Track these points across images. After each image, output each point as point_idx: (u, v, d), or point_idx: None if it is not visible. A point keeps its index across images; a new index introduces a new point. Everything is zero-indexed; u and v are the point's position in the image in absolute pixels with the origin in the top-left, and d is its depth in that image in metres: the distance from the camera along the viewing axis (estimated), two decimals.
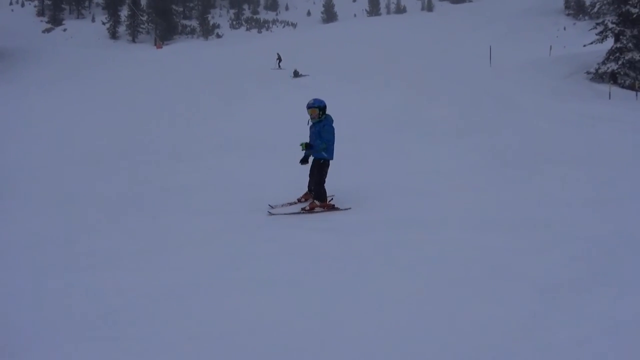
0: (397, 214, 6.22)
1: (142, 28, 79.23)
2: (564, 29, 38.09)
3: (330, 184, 6.94)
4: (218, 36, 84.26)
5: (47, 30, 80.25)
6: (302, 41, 41.77)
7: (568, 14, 42.17)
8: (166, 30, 78.67)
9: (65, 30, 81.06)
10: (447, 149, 10.50)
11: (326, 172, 6.75)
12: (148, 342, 3.22)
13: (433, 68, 23.11)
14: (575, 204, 6.43)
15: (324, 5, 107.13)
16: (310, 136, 6.82)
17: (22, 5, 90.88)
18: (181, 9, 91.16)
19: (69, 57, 33.22)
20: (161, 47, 49.93)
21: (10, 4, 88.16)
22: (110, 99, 20.12)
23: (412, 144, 11.10)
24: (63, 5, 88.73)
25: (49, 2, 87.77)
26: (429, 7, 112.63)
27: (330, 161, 6.78)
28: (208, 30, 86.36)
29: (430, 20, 48.47)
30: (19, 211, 6.88)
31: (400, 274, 4.20)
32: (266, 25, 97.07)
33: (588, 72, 21.37)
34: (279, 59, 29.75)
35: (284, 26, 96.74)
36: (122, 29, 79.41)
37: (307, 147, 6.62)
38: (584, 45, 23.57)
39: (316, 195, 6.70)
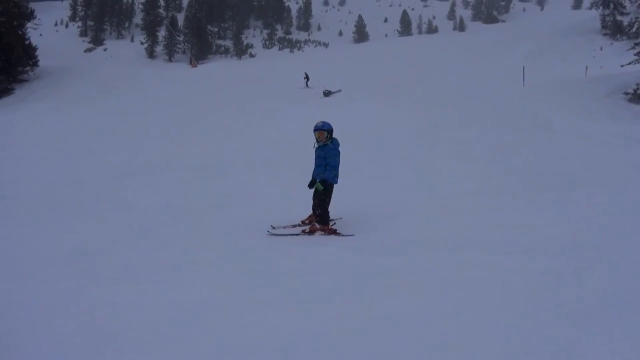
0: (424, 235, 6.17)
1: (179, 48, 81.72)
2: (601, 49, 37.30)
3: (360, 203, 6.94)
4: (251, 56, 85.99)
5: (89, 50, 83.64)
6: (333, 60, 42.23)
7: (605, 34, 41.28)
8: (201, 50, 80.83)
9: (105, 49, 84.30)
10: (477, 169, 10.38)
11: (329, 196, 6.63)
12: (178, 357, 3.28)
13: (465, 87, 22.98)
14: (609, 228, 6.25)
15: (355, 26, 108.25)
16: (316, 159, 6.73)
17: (67, 26, 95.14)
18: (216, 29, 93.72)
19: (108, 75, 34.49)
20: (196, 66, 51.26)
21: (55, 25, 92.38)
22: (146, 115, 20.75)
23: (442, 164, 11.02)
24: (104, 26, 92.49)
25: (91, 23, 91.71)
26: (460, 27, 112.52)
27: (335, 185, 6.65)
28: (242, 50, 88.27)
29: (462, 40, 48.28)
30: (64, 222, 7.14)
31: (429, 296, 4.15)
32: (298, 45, 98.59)
33: (626, 93, 20.82)
34: (307, 78, 30.11)
35: (315, 46, 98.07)
36: (159, 48, 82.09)
37: (322, 184, 6.44)
38: (622, 66, 23.00)
39: (319, 219, 6.62)
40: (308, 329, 3.58)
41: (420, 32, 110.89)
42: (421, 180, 9.70)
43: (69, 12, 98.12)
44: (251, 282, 4.63)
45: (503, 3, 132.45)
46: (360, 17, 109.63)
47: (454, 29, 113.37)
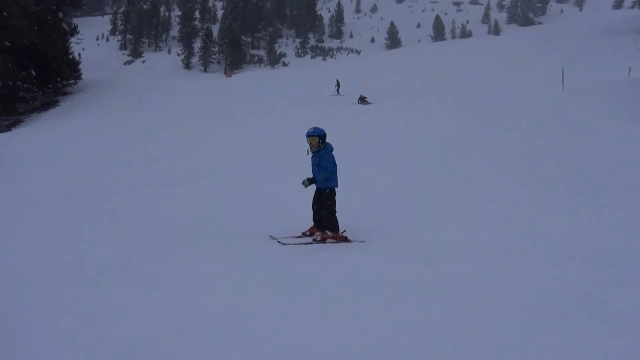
0: (460, 242, 6.09)
1: (214, 58, 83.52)
2: None
3: (393, 209, 6.89)
4: (284, 64, 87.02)
5: (128, 63, 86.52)
6: (365, 67, 42.23)
7: None
8: (235, 60, 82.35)
9: (144, 61, 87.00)
10: (514, 175, 10.16)
11: (334, 201, 6.60)
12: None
13: (500, 92, 22.57)
14: None
15: (387, 32, 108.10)
16: (312, 166, 6.71)
17: (107, 40, 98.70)
18: (250, 39, 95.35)
19: (145, 86, 35.57)
20: (230, 76, 52.20)
21: (97, 39, 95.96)
22: (181, 125, 21.26)
23: (477, 170, 10.84)
24: (143, 39, 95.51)
25: (130, 37, 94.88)
26: (495, 31, 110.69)
27: (336, 189, 6.66)
28: (275, 59, 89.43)
29: (497, 44, 47.46)
30: (103, 230, 7.40)
31: (468, 305, 4.09)
32: (331, 52, 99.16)
33: None
34: (338, 85, 30.19)
35: (347, 53, 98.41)
36: (195, 59, 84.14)
37: (310, 182, 6.52)
38: None
39: (328, 226, 6.55)
40: (350, 337, 3.59)
41: (453, 37, 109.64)
42: (456, 186, 9.57)
43: (109, 27, 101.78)
44: (290, 289, 4.67)
45: (539, 5, 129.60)
46: (392, 23, 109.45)
47: (489, 32, 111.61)
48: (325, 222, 6.58)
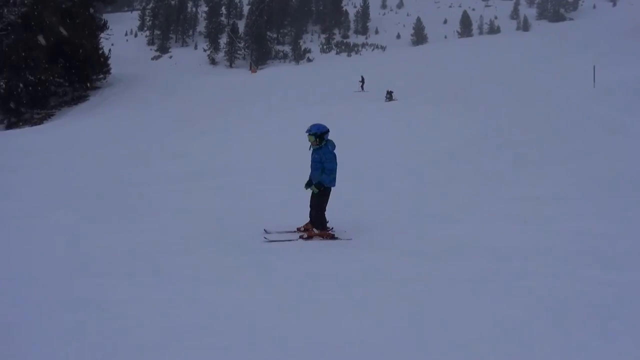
0: (488, 242, 6.00)
1: (239, 54, 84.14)
2: None
3: (420, 207, 6.80)
4: (309, 60, 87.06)
5: (156, 58, 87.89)
6: (390, 64, 41.92)
7: None
8: (260, 56, 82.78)
9: (171, 57, 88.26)
10: (544, 174, 9.95)
11: (326, 200, 6.52)
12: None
13: (529, 89, 22.12)
14: None
15: (413, 28, 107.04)
16: (311, 163, 6.62)
17: (135, 35, 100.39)
18: (275, 35, 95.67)
19: (172, 82, 36.06)
20: (255, 72, 52.48)
21: (126, 34, 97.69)
22: (207, 119, 21.50)
23: (505, 169, 10.66)
24: (170, 35, 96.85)
25: (158, 33, 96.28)
26: (524, 27, 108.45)
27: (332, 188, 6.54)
28: (300, 55, 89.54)
29: (526, 40, 46.48)
30: (136, 222, 7.55)
31: (496, 306, 4.04)
32: (356, 48, 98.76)
33: None
34: (362, 81, 30.02)
35: (373, 49, 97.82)
36: (220, 55, 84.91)
37: (317, 187, 6.37)
38: None
39: (315, 223, 6.50)
40: (370, 334, 3.59)
41: (481, 33, 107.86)
42: (484, 185, 9.43)
43: (138, 22, 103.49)
44: (316, 284, 4.69)
45: (571, 0, 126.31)
46: (418, 19, 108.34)
47: (518, 28, 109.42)
48: (312, 219, 6.53)
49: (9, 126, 30.83)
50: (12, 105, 31.83)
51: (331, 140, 6.63)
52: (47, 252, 6.06)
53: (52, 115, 31.93)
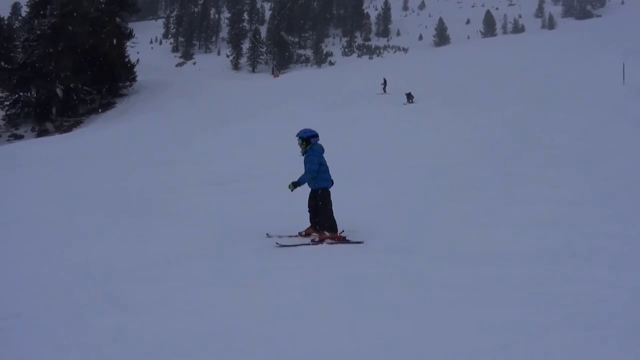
0: (515, 245, 5.89)
1: (261, 59, 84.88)
2: None
3: (444, 210, 6.71)
4: (331, 63, 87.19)
5: (180, 65, 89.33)
6: (412, 65, 41.62)
7: None
8: (282, 60, 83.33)
9: (194, 63, 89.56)
10: (571, 175, 9.72)
11: (330, 201, 6.57)
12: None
13: (554, 89, 21.67)
14: None
15: (435, 29, 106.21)
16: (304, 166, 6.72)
17: (160, 43, 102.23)
18: (297, 40, 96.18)
19: (196, 88, 36.54)
20: (278, 76, 52.81)
21: (151, 42, 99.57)
22: (230, 124, 21.72)
23: (532, 170, 10.45)
24: (194, 42, 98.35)
25: (182, 40, 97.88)
26: (550, 25, 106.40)
27: (330, 188, 6.64)
28: (321, 59, 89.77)
29: (551, 39, 45.56)
30: (161, 227, 7.69)
31: (534, 310, 3.95)
32: (377, 51, 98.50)
33: None
34: (385, 83, 29.85)
35: (395, 51, 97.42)
36: (243, 60, 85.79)
37: (295, 186, 6.60)
38: None
39: (326, 227, 6.51)
40: (400, 339, 3.57)
41: (505, 33, 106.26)
42: (509, 187, 9.27)
43: (162, 30, 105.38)
44: (344, 288, 4.68)
45: None
46: (440, 19, 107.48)
47: (543, 27, 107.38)
48: (322, 223, 6.55)
49: (40, 134, 31.78)
50: (42, 113, 32.81)
51: (319, 145, 6.73)
52: (73, 256, 6.21)
53: (81, 122, 32.78)
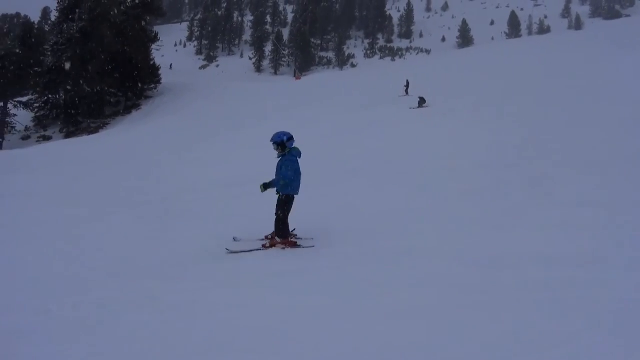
0: (539, 249, 5.81)
1: (284, 61, 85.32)
2: None
3: (466, 214, 6.65)
4: (353, 66, 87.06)
5: (203, 67, 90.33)
6: (436, 67, 41.29)
7: None
8: (305, 62, 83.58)
9: (218, 66, 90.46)
10: (598, 178, 9.51)
11: (289, 208, 6.47)
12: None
13: (580, 90, 21.23)
14: None
15: (459, 30, 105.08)
16: (276, 169, 6.64)
17: (184, 46, 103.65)
18: (319, 42, 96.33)
19: (219, 90, 36.93)
20: (300, 78, 53.01)
21: (175, 45, 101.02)
22: (253, 126, 21.90)
23: (556, 172, 10.26)
24: (217, 44, 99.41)
25: (206, 42, 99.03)
26: (577, 26, 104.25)
27: (296, 196, 6.54)
28: (343, 61, 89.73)
29: (578, 40, 44.64)
30: (183, 227, 7.82)
31: (558, 314, 3.91)
32: (400, 53, 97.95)
33: None
34: (407, 85, 29.67)
35: (417, 53, 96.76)
36: (266, 62, 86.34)
37: (265, 187, 6.47)
38: None
39: (277, 232, 6.43)
40: (412, 343, 3.57)
41: (530, 34, 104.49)
42: (536, 190, 9.12)
43: (186, 33, 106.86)
44: (359, 291, 4.70)
45: None
46: (464, 21, 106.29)
47: (569, 27, 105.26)
48: (275, 228, 6.48)
49: (68, 135, 32.58)
50: (70, 115, 33.64)
51: (296, 148, 6.63)
52: (102, 255, 6.36)
53: (107, 124, 33.47)
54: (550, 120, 16.14)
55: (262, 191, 6.57)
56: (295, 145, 6.67)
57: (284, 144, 6.52)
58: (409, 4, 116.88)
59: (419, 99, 24.49)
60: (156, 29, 47.24)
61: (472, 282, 4.79)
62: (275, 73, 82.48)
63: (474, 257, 5.64)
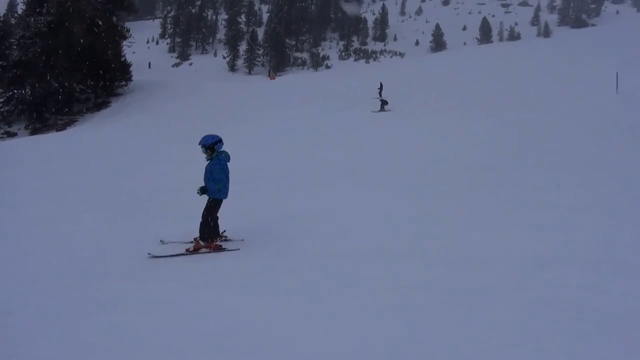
0: (508, 250, 5.93)
1: (258, 61, 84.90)
2: None
3: (436, 216, 6.71)
4: (327, 67, 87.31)
5: (176, 65, 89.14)
6: (408, 70, 41.77)
7: None
8: (279, 63, 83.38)
9: (191, 64, 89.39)
10: (565, 182, 9.78)
11: (215, 212, 6.43)
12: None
13: (548, 97, 21.82)
14: None
15: (432, 35, 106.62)
16: (204, 173, 6.51)
17: (157, 43, 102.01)
18: (294, 43, 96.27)
19: (191, 88, 36.45)
20: (274, 79, 52.77)
21: (147, 42, 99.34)
22: (224, 127, 21.69)
23: (531, 178, 10.50)
24: (190, 42, 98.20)
25: (179, 40, 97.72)
26: (545, 33, 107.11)
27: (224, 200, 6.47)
28: (318, 62, 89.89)
29: (546, 47, 45.89)
30: (157, 229, 7.67)
31: (521, 315, 3.99)
32: (374, 55, 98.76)
33: None
34: (381, 88, 29.90)
35: (391, 56, 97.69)
36: (240, 62, 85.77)
37: (202, 191, 6.37)
38: None
39: (202, 235, 6.35)
40: (396, 342, 3.58)
41: (501, 40, 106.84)
42: (510, 193, 9.30)
43: (159, 30, 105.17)
44: (339, 291, 4.69)
45: (593, 6, 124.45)
46: (437, 25, 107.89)
47: (538, 35, 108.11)
48: (199, 231, 6.37)
49: (34, 132, 31.60)
50: (36, 111, 32.64)
51: (224, 152, 6.54)
52: (70, 256, 6.18)
53: (75, 121, 32.63)
54: (520, 125, 16.50)
55: (200, 195, 6.45)
56: (224, 148, 6.59)
57: (212, 147, 6.44)
58: (383, 7, 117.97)
59: (380, 102, 24.57)
60: (128, 25, 46.29)
61: (445, 282, 4.84)
62: (250, 73, 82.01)
63: (443, 259, 5.71)
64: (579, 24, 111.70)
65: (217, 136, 6.56)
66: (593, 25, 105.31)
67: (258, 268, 5.55)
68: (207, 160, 6.52)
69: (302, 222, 7.72)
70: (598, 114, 16.81)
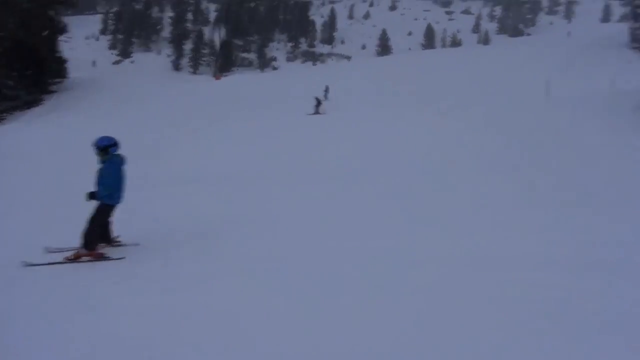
0: (441, 250, 6.03)
1: (203, 60, 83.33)
2: (629, 62, 36.43)
3: (370, 215, 6.75)
4: (274, 68, 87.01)
5: (117, 62, 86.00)
6: (355, 73, 42.32)
7: (634, 48, 40.31)
8: (225, 63, 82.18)
9: (132, 62, 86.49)
10: (492, 185, 10.14)
11: (104, 218, 6.16)
12: None
13: (485, 100, 22.70)
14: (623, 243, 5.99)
15: (379, 39, 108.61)
16: (97, 177, 6.14)
17: (97, 39, 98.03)
18: (241, 43, 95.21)
19: (132, 87, 35.30)
20: (220, 79, 51.95)
21: (87, 38, 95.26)
22: (166, 127, 21.10)
23: (462, 178, 10.81)
24: (133, 40, 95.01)
25: (121, 37, 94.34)
26: (485, 41, 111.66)
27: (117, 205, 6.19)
28: (265, 63, 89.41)
29: (485, 53, 47.84)
30: None
31: (478, 312, 4.03)
32: (321, 58, 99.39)
33: None
34: (327, 91, 30.19)
35: (338, 59, 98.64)
36: (184, 61, 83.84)
37: (91, 196, 6.02)
38: None
39: (85, 242, 5.94)
40: (356, 341, 3.57)
41: (444, 45, 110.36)
42: (440, 194, 9.53)
43: (100, 26, 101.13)
44: (303, 292, 4.64)
45: (530, 17, 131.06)
46: (384, 30, 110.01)
47: (479, 42, 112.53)
48: (82, 237, 5.95)
49: None
50: None
51: (119, 155, 6.26)
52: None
53: (3, 119, 30.68)
54: (453, 126, 17.03)
55: (87, 200, 6.04)
56: (118, 152, 6.26)
57: (106, 149, 6.14)
58: (332, 11, 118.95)
59: (315, 105, 24.83)
60: (67, 19, 44.07)
61: (393, 281, 4.88)
62: (195, 72, 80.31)
63: (391, 257, 5.74)
64: (516, 32, 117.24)
65: (113, 138, 6.24)
66: (529, 34, 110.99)
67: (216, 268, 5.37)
68: (100, 163, 6.16)
69: (221, 226, 7.56)
70: (527, 119, 17.63)
